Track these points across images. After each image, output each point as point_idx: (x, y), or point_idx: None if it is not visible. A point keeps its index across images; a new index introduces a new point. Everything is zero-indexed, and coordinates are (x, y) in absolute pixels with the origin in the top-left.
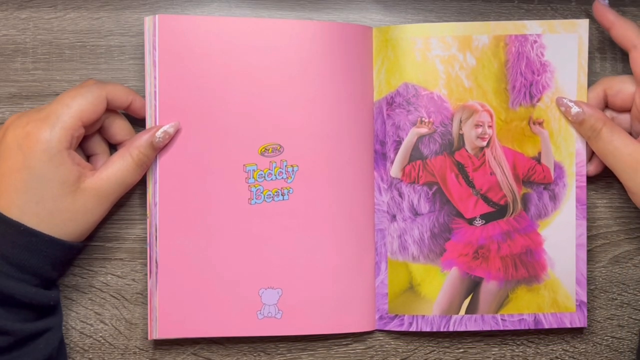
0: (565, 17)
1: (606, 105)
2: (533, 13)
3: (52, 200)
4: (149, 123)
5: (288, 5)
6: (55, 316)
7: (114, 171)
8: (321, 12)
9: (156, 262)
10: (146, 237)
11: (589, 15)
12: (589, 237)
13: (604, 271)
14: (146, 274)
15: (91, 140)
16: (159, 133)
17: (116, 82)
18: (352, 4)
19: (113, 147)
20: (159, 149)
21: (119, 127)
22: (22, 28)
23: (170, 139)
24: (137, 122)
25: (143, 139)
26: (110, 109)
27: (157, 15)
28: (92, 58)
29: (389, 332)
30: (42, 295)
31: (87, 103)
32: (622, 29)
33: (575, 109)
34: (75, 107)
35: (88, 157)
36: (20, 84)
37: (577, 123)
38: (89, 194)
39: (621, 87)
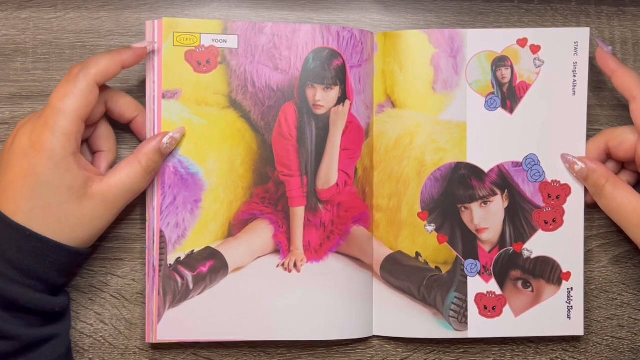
0: (565, 17)
1: (609, 157)
2: (533, 13)
3: (59, 206)
4: (150, 128)
5: (288, 5)
6: (63, 323)
7: (122, 178)
8: (321, 12)
9: (154, 266)
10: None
11: (589, 16)
12: (588, 237)
13: (604, 271)
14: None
15: (97, 136)
16: (166, 139)
17: (116, 82)
18: (352, 4)
19: (119, 146)
20: (166, 154)
21: (124, 105)
22: (22, 28)
23: (177, 144)
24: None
25: (151, 145)
26: (108, 89)
27: (159, 20)
28: None
29: None
30: (47, 301)
31: (78, 99)
32: (623, 79)
33: (578, 165)
34: (69, 109)
35: (94, 153)
36: (20, 84)
37: (582, 179)
38: (96, 200)
39: (623, 138)
